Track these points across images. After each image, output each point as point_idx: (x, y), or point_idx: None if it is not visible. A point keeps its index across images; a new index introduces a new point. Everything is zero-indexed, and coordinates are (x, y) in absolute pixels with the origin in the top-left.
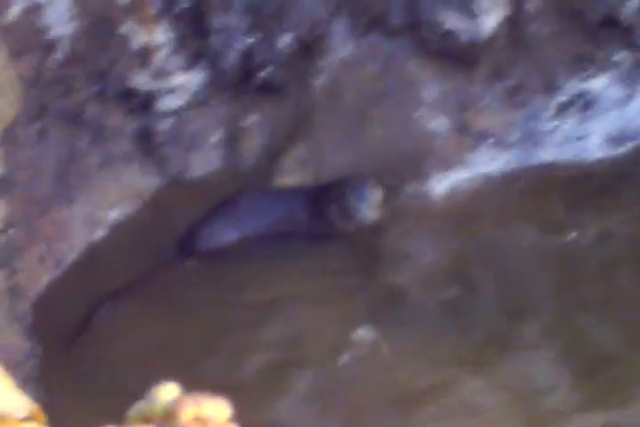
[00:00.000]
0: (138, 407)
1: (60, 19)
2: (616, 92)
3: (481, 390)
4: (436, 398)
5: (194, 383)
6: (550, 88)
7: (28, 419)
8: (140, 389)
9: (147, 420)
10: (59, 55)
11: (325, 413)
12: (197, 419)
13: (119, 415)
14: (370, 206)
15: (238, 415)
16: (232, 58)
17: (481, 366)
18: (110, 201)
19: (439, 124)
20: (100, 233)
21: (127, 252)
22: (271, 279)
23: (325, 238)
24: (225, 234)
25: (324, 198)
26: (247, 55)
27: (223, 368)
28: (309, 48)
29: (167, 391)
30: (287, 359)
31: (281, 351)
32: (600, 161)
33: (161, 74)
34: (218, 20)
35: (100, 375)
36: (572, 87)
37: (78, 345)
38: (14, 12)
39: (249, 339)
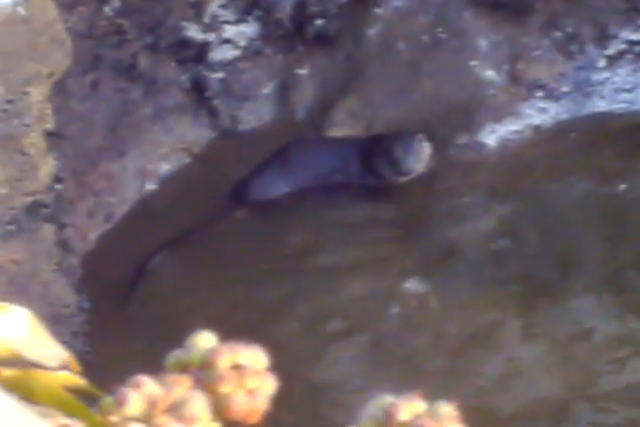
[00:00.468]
0: (175, 356)
1: None
2: None
3: (527, 340)
4: (484, 347)
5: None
6: (603, 38)
7: (61, 368)
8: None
9: (184, 368)
10: (111, 6)
11: (377, 367)
12: (235, 367)
13: (160, 362)
14: (417, 160)
15: (279, 364)
16: (285, 8)
17: (528, 318)
18: (162, 153)
19: (491, 74)
20: (151, 186)
21: (178, 205)
22: (321, 231)
23: (376, 191)
24: (276, 185)
25: (374, 151)
26: (300, 6)
27: (274, 324)
28: None
29: (204, 340)
30: (337, 313)
31: (330, 305)
32: None
33: (214, 25)
34: None
35: (151, 332)
36: (624, 37)
37: (130, 301)
38: None
39: (300, 291)
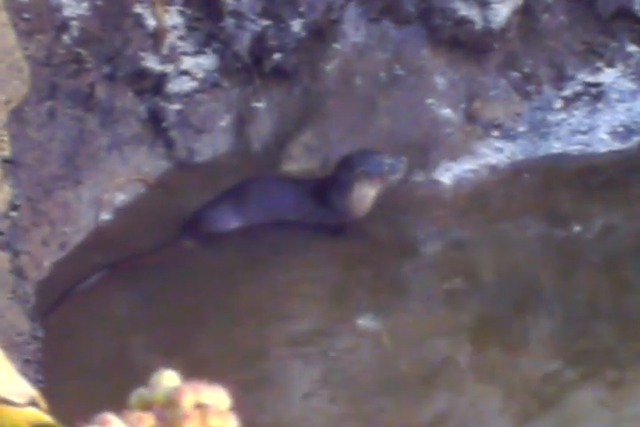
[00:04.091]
0: (139, 394)
1: None
2: (626, 84)
3: (480, 380)
4: (435, 387)
5: (192, 366)
6: (560, 79)
7: (28, 405)
8: (137, 372)
9: (148, 407)
10: (70, 35)
11: (325, 402)
12: (198, 406)
13: (117, 398)
14: (358, 201)
15: (239, 404)
16: (244, 42)
17: (481, 358)
18: (118, 183)
19: (448, 112)
20: (106, 216)
21: (133, 235)
22: (270, 266)
23: (331, 228)
24: (229, 219)
25: (329, 189)
26: (259, 39)
27: (213, 353)
28: (321, 33)
29: (168, 378)
30: (285, 349)
31: (278, 341)
32: (607, 154)
33: (172, 56)
34: (231, 3)
35: (96, 356)
36: (581, 79)
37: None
38: None
39: (247, 326)
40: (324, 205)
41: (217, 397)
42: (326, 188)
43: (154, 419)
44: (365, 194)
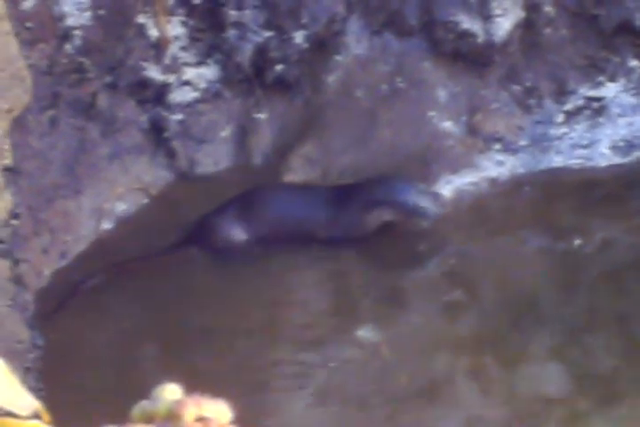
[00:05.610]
0: (141, 407)
1: (75, 8)
2: (627, 99)
3: (478, 394)
4: (434, 400)
5: (191, 377)
6: (561, 93)
7: (32, 417)
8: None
9: (150, 419)
10: (73, 45)
11: (324, 413)
12: (200, 420)
13: (119, 409)
14: (371, 224)
15: (240, 416)
16: (246, 53)
17: (480, 371)
18: (118, 193)
19: (449, 125)
20: (106, 225)
21: (133, 244)
22: (273, 277)
23: (339, 241)
24: (235, 229)
25: (343, 202)
26: (261, 51)
27: (213, 363)
28: (323, 45)
29: (170, 392)
30: (286, 359)
31: (278, 351)
32: (608, 168)
33: (174, 66)
34: (233, 15)
35: (97, 365)
36: (583, 93)
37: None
38: (30, 0)
39: (238, 338)
40: (341, 216)
41: (218, 410)
42: (347, 198)
43: None
44: (382, 219)
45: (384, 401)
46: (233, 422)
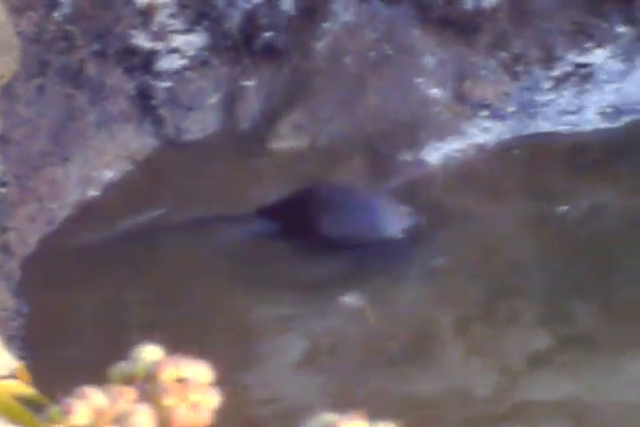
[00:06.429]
0: (119, 368)
1: None
2: (615, 65)
3: (464, 357)
4: (420, 363)
5: (177, 342)
6: (549, 60)
7: (10, 377)
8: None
9: (128, 381)
10: (61, 12)
11: (312, 376)
12: (178, 381)
13: (101, 373)
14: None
15: (225, 380)
16: (234, 20)
17: (466, 335)
18: (106, 161)
19: (437, 92)
20: (93, 193)
21: (120, 211)
22: (256, 250)
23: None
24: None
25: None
26: (250, 17)
27: (199, 329)
28: (312, 12)
29: (149, 353)
30: (271, 326)
31: (264, 318)
32: (596, 134)
33: (162, 33)
34: None
35: (80, 331)
36: (571, 59)
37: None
38: None
39: (233, 303)
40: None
41: (198, 371)
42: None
43: (135, 393)
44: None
45: (369, 365)
46: (213, 383)
